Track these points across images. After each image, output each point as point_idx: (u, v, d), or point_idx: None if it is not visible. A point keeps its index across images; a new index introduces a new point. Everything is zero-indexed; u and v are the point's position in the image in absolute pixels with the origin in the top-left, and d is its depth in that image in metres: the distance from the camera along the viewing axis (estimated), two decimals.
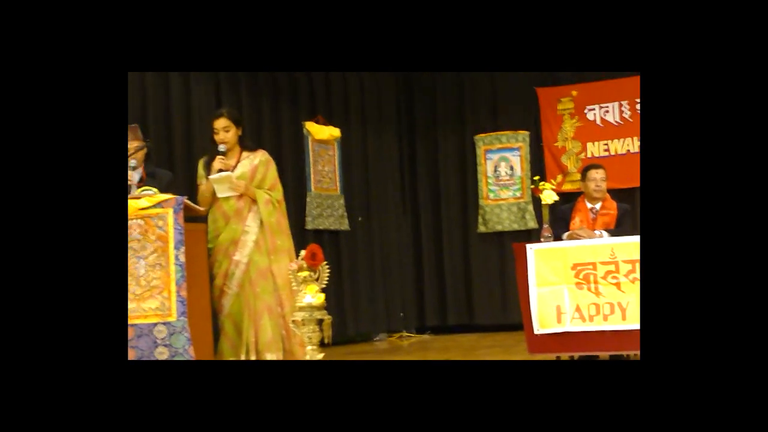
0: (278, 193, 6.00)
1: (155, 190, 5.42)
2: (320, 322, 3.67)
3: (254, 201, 5.88)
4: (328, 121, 9.01)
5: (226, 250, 5.83)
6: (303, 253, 3.64)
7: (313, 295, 3.60)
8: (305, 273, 3.62)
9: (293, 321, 3.69)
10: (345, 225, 9.17)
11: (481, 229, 9.98)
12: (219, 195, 5.85)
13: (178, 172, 6.85)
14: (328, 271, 3.67)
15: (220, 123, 5.90)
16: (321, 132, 8.85)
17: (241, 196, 5.86)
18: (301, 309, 3.63)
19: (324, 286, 3.66)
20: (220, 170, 5.83)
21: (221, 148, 5.86)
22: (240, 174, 5.88)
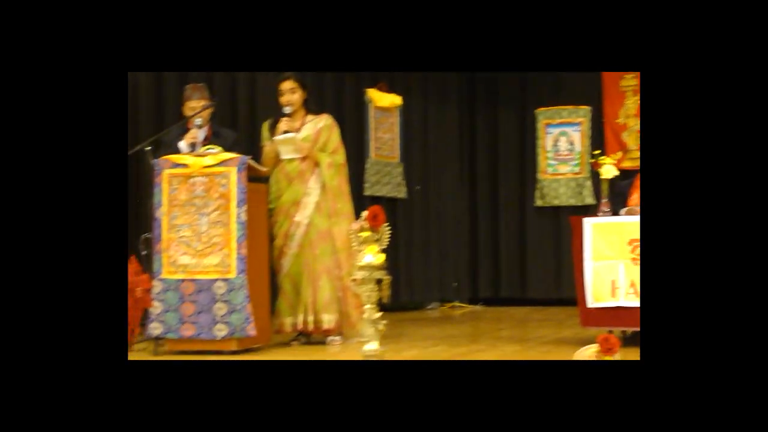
0: (341, 156, 6.11)
1: (219, 148, 5.54)
2: (379, 281, 3.74)
3: (317, 164, 5.98)
4: (390, 89, 9.05)
5: (287, 211, 5.94)
6: (365, 213, 3.71)
7: (373, 255, 3.68)
8: (366, 233, 3.70)
9: (353, 279, 3.77)
10: (402, 193, 9.23)
11: (538, 203, 9.99)
12: (283, 156, 5.95)
13: (241, 132, 6.94)
14: (389, 232, 3.74)
15: (287, 85, 6.00)
16: (382, 99, 8.91)
17: (304, 158, 5.96)
18: (361, 268, 3.71)
19: (384, 247, 3.74)
20: (286, 131, 5.93)
21: (286, 109, 5.95)
22: (304, 136, 5.98)
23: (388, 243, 3.76)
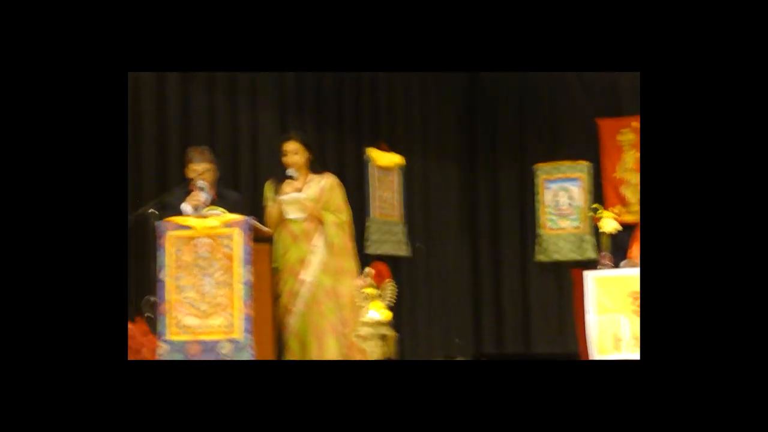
0: (345, 215, 6.19)
1: (223, 210, 5.60)
2: (384, 337, 3.77)
3: (321, 222, 6.05)
4: (391, 148, 9.12)
5: (292, 269, 6.00)
6: (369, 270, 3.75)
7: (378, 311, 3.72)
8: (371, 290, 3.74)
9: (358, 336, 3.80)
10: (404, 251, 9.26)
11: (540, 257, 10.03)
12: (288, 216, 6.01)
13: (243, 194, 7.00)
14: (394, 288, 3.78)
15: (290, 146, 6.10)
16: (383, 158, 8.97)
17: (308, 217, 6.02)
18: (366, 324, 3.76)
19: (389, 303, 3.77)
20: (292, 192, 6.00)
21: (291, 173, 6.04)
22: (308, 196, 6.05)
23: (393, 299, 3.79)
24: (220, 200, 5.90)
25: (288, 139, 6.16)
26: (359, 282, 3.84)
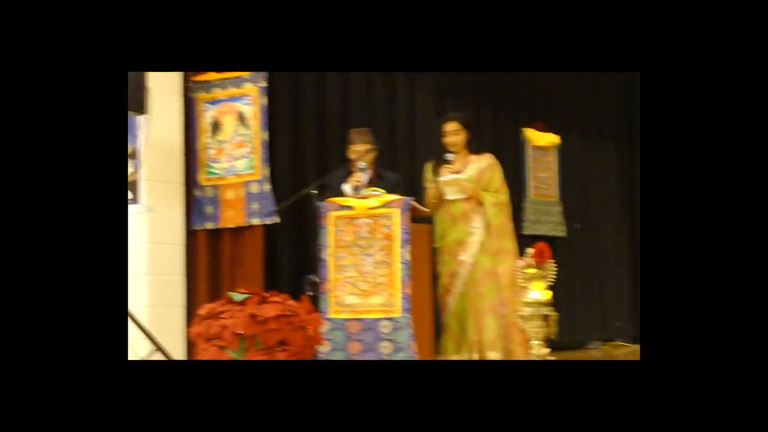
0: (504, 196, 6.22)
1: (382, 191, 5.70)
2: (546, 318, 3.80)
3: (480, 203, 6.10)
4: (548, 128, 9.06)
5: (452, 250, 6.06)
6: (530, 251, 3.78)
7: (539, 292, 3.75)
8: (533, 270, 3.77)
9: (521, 316, 3.84)
10: (562, 231, 9.20)
11: None
12: (448, 197, 6.07)
13: (402, 174, 7.09)
14: (555, 269, 3.80)
15: (451, 126, 6.16)
16: (540, 138, 8.93)
17: (468, 198, 6.06)
18: (528, 305, 3.80)
19: (551, 283, 3.79)
20: (452, 172, 6.07)
21: (449, 156, 6.08)
22: (468, 177, 6.11)
23: (554, 280, 3.81)
24: (379, 181, 6.00)
25: (448, 119, 6.21)
26: (521, 262, 3.86)
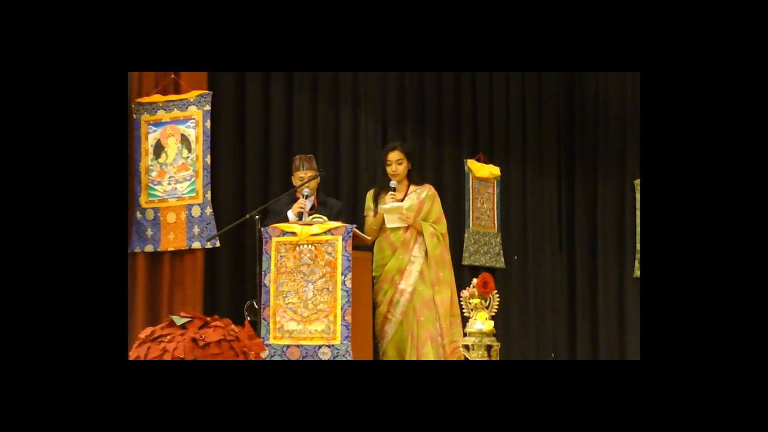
0: (442, 226, 6.32)
1: (325, 218, 5.77)
2: (489, 348, 3.85)
3: (420, 233, 6.17)
4: (489, 160, 9.18)
5: (392, 279, 6.13)
6: (475, 281, 3.84)
7: (483, 322, 3.81)
8: (476, 300, 3.82)
9: (463, 345, 3.89)
10: (501, 263, 9.29)
11: (638, 273, 9.94)
12: (388, 225, 6.15)
13: (344, 202, 7.13)
14: (498, 299, 3.86)
15: (394, 155, 6.23)
16: (482, 170, 9.04)
17: (408, 227, 6.14)
18: (471, 334, 3.85)
19: (494, 313, 3.85)
20: (393, 201, 6.11)
21: (392, 183, 6.16)
22: (408, 206, 6.18)
23: (496, 310, 3.87)
24: (322, 208, 6.07)
25: (392, 148, 6.28)
26: (465, 292, 3.92)
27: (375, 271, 6.13)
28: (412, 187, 6.30)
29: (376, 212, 6.24)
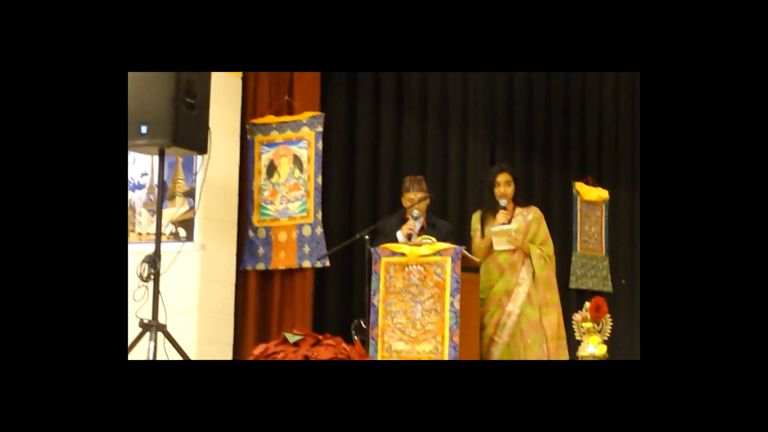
0: (549, 248, 6.31)
1: (434, 239, 5.83)
2: None
3: (527, 255, 6.19)
4: (597, 183, 9.15)
5: (499, 301, 6.15)
6: (587, 305, 3.85)
7: (595, 346, 3.83)
8: (589, 324, 3.84)
9: None
10: (608, 287, 9.24)
11: None
12: (496, 247, 6.18)
13: (452, 223, 7.19)
14: (611, 324, 3.87)
15: (503, 177, 6.27)
16: (590, 193, 9.02)
17: (515, 249, 6.17)
18: (583, 358, 3.85)
19: (606, 338, 3.86)
20: (502, 223, 6.17)
21: (503, 203, 6.19)
22: (516, 228, 6.21)
23: (609, 334, 3.89)
24: (432, 229, 6.13)
25: (500, 170, 6.33)
26: (577, 316, 3.94)
27: (482, 293, 6.14)
28: (518, 209, 6.32)
29: (483, 234, 6.28)
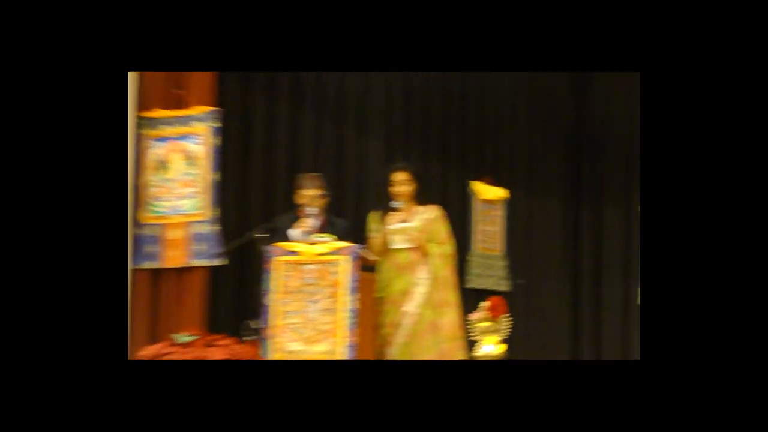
0: (449, 247, 6.23)
1: (332, 237, 5.74)
2: None
3: (426, 254, 6.12)
4: (495, 182, 9.17)
5: (395, 301, 6.06)
6: (484, 304, 3.82)
7: (493, 345, 3.80)
8: (486, 323, 3.81)
9: None
10: (505, 286, 9.26)
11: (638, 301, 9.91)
12: (395, 245, 6.11)
13: (350, 221, 7.11)
14: (509, 323, 3.85)
15: (400, 176, 6.21)
16: (488, 192, 9.03)
17: (414, 248, 6.11)
18: (477, 358, 3.81)
19: (504, 337, 3.84)
20: (400, 221, 6.11)
21: (396, 204, 6.13)
22: (415, 227, 6.15)
23: (507, 334, 3.87)
24: (328, 227, 6.04)
25: (398, 169, 6.27)
26: (474, 315, 3.91)
27: (379, 293, 6.10)
28: (419, 208, 6.25)
29: (380, 232, 6.20)
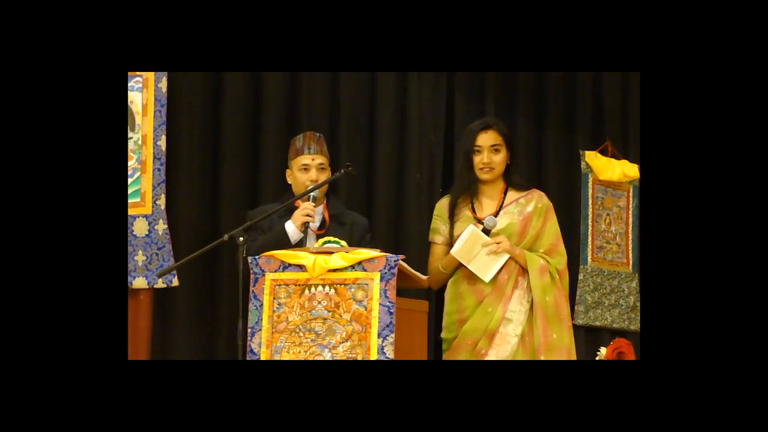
0: (560, 258, 5.95)
1: (344, 243, 5.51)
2: None
3: (523, 270, 5.81)
4: (622, 153, 8.90)
5: (473, 347, 5.82)
6: (603, 350, 3.61)
7: None
8: None
9: None
10: (635, 324, 8.92)
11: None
12: (470, 258, 5.75)
13: (378, 214, 6.90)
14: None
15: (488, 138, 5.88)
16: (608, 169, 8.70)
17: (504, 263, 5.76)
18: None
19: None
20: (478, 221, 5.78)
21: (484, 174, 5.88)
22: (505, 226, 5.85)
23: None
24: (338, 225, 5.94)
25: (485, 127, 6.00)
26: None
27: (446, 332, 5.98)
28: (512, 194, 5.97)
29: (452, 236, 5.90)
